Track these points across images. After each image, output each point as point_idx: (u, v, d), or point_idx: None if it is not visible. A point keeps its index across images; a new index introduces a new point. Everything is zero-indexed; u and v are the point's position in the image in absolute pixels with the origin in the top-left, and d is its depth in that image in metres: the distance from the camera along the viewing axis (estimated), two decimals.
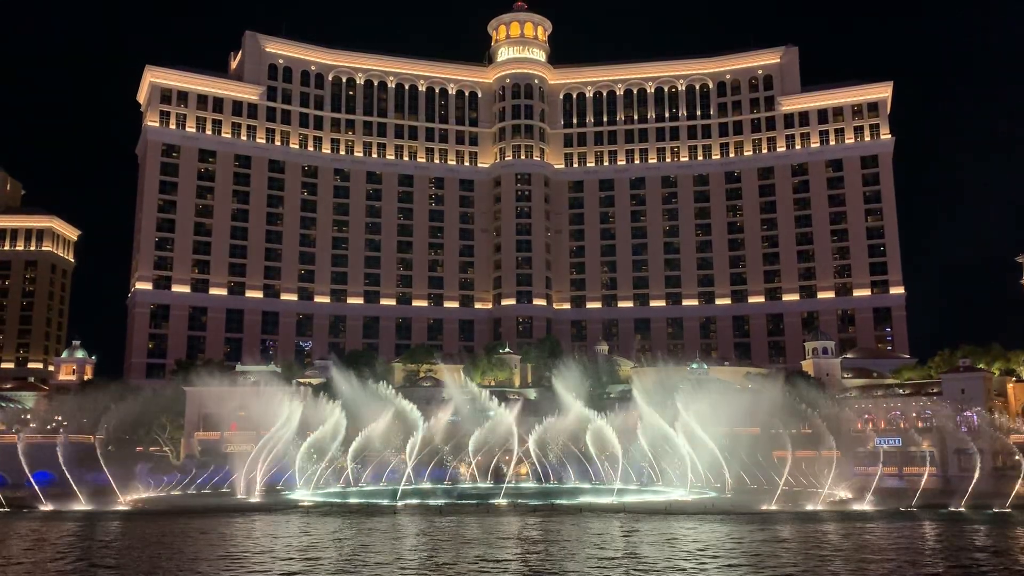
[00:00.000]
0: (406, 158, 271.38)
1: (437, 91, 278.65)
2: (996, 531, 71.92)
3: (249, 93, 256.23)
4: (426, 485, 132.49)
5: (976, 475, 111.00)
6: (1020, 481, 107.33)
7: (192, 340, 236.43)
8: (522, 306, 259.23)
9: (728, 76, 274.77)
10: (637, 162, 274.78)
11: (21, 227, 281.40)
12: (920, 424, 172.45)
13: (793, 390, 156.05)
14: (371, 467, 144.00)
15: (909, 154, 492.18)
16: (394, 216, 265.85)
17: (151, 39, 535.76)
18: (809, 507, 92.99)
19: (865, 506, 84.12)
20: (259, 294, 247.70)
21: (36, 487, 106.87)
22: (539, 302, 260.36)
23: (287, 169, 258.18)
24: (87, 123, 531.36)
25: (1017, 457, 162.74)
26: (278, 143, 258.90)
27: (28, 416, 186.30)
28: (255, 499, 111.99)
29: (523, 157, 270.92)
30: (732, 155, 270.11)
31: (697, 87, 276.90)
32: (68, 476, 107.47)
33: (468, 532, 73.95)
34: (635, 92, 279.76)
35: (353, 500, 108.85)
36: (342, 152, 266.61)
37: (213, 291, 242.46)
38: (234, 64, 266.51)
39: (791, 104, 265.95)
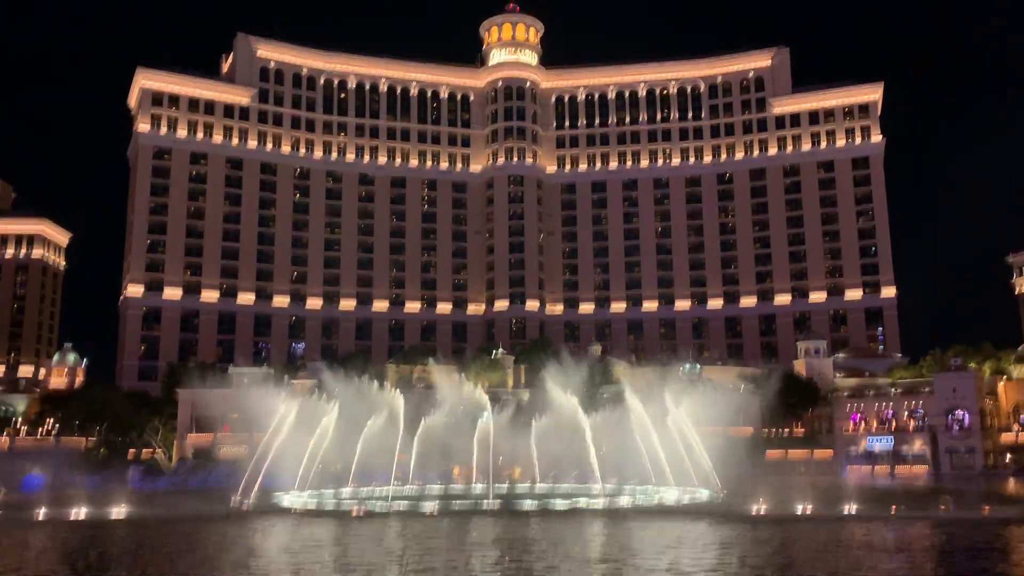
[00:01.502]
0: (398, 161, 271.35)
1: (429, 94, 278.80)
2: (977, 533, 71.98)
3: (240, 96, 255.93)
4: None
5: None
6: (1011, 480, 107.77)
7: (184, 343, 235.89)
8: (515, 308, 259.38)
9: (719, 78, 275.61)
10: (629, 164, 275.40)
11: (12, 231, 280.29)
12: (912, 424, 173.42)
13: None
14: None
15: (901, 155, 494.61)
16: (386, 219, 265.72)
17: (142, 42, 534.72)
18: (798, 510, 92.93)
19: (852, 508, 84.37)
20: (251, 297, 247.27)
21: (31, 492, 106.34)
22: (532, 304, 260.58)
23: (279, 172, 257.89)
24: (78, 126, 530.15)
25: (1009, 456, 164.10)
26: (270, 146, 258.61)
27: (19, 420, 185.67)
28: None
29: (515, 159, 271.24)
30: (724, 157, 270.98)
31: (688, 89, 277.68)
32: (63, 481, 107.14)
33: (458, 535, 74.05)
34: (627, 94, 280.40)
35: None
36: (334, 155, 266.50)
37: (205, 294, 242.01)
38: (225, 67, 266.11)
39: (782, 106, 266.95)
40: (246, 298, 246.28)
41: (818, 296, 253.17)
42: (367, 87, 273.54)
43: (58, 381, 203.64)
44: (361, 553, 61.98)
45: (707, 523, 78.35)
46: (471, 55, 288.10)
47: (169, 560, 59.23)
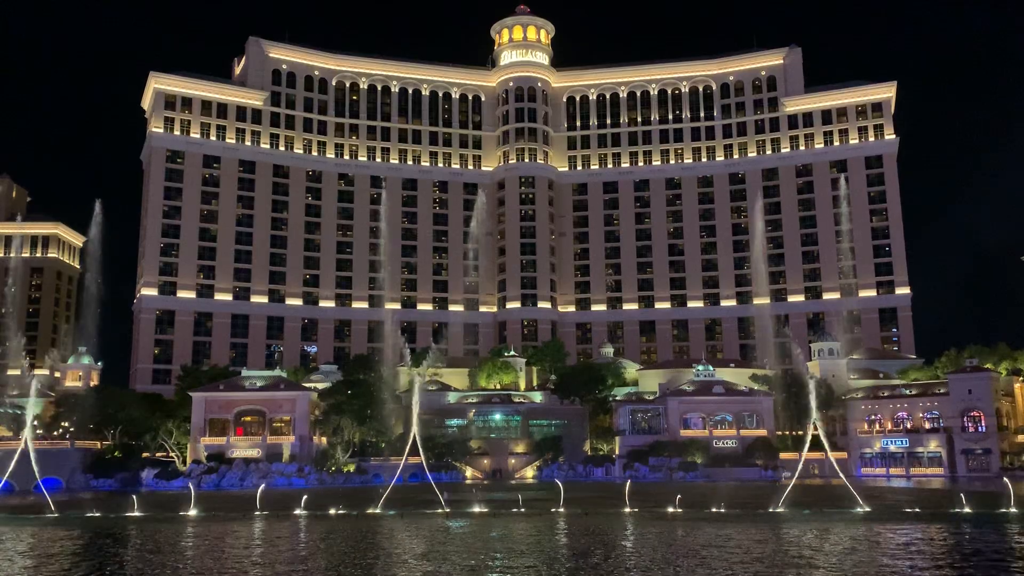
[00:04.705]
0: (410, 162, 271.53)
1: (440, 95, 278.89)
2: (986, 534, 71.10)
3: (253, 98, 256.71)
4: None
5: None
6: None
7: (197, 346, 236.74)
8: (527, 309, 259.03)
9: (731, 77, 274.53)
10: (641, 164, 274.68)
11: (27, 234, 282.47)
12: (927, 425, 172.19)
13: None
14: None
15: (914, 153, 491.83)
16: (398, 220, 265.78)
17: (155, 45, 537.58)
18: (807, 511, 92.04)
19: (865, 507, 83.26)
20: (264, 299, 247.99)
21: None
22: (544, 305, 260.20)
23: (291, 174, 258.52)
24: (92, 130, 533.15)
25: None
26: (282, 148, 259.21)
27: (35, 422, 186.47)
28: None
29: (527, 160, 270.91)
30: (736, 156, 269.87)
31: (700, 89, 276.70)
32: (77, 483, 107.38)
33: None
34: (638, 94, 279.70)
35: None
36: (346, 157, 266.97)
37: (218, 297, 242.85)
38: (238, 70, 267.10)
39: (795, 105, 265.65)
40: (259, 301, 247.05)
41: (831, 296, 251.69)
42: (379, 89, 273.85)
43: (73, 383, 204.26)
44: None
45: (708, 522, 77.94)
46: (482, 57, 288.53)
47: None
